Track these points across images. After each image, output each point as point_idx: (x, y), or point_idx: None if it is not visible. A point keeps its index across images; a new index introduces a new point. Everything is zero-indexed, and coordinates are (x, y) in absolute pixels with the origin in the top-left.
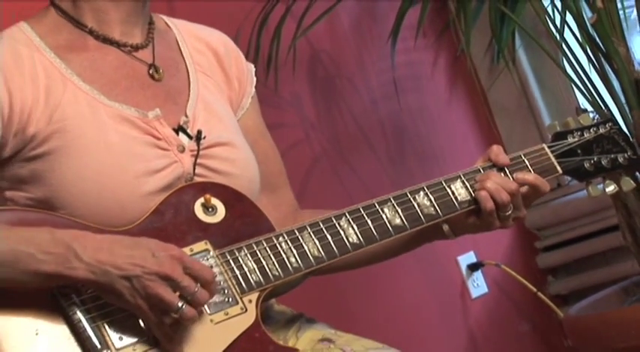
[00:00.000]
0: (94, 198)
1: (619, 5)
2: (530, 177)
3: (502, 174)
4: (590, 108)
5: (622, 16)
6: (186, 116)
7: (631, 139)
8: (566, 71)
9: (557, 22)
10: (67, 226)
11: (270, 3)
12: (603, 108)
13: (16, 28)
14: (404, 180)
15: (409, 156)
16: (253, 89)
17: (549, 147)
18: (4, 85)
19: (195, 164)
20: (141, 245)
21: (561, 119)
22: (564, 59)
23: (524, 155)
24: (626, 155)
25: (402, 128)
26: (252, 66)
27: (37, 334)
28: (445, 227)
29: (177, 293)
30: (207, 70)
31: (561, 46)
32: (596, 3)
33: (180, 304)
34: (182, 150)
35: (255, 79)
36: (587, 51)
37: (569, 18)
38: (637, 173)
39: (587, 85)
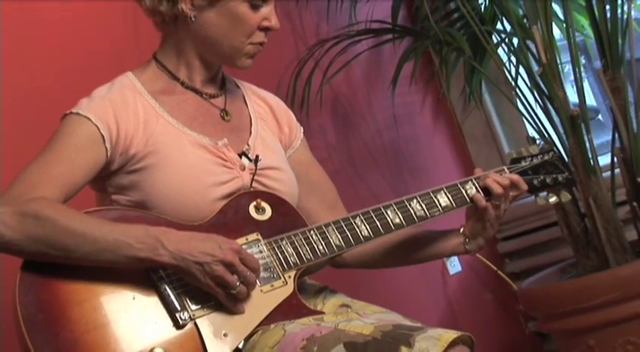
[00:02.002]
0: (177, 202)
1: (558, 61)
2: (515, 176)
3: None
4: (537, 136)
5: (560, 69)
6: (248, 145)
7: (568, 164)
8: (519, 109)
9: (513, 73)
10: (156, 221)
11: (302, 59)
12: (547, 136)
13: (124, 77)
14: (401, 189)
15: (405, 172)
16: (302, 135)
17: (508, 168)
18: (113, 118)
19: (252, 180)
20: (211, 239)
21: (515, 145)
22: (518, 100)
23: None
24: (564, 175)
25: (399, 151)
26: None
27: (134, 299)
28: (467, 246)
29: (235, 276)
30: (264, 117)
31: (516, 90)
32: (542, 59)
33: (238, 283)
34: (243, 169)
35: (302, 128)
36: (534, 94)
37: (521, 70)
38: (572, 188)
39: (534, 120)
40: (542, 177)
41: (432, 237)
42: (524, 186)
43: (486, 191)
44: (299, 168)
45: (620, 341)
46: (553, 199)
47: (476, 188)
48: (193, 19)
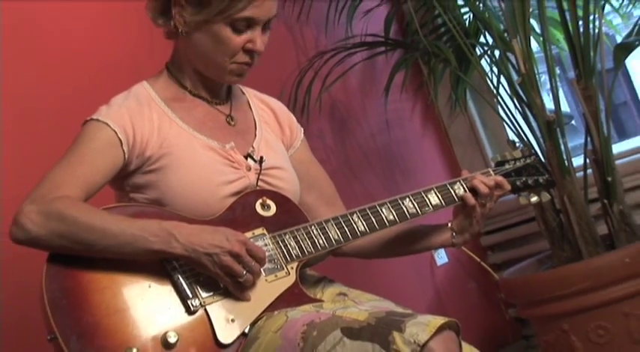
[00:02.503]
0: (189, 199)
1: (536, 71)
2: (499, 178)
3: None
4: (517, 140)
5: (538, 78)
6: (253, 147)
7: (548, 167)
8: (500, 115)
9: (495, 82)
10: (170, 217)
11: (303, 69)
12: (526, 140)
13: (140, 85)
14: (392, 188)
15: (396, 172)
16: (302, 135)
17: (493, 170)
18: (130, 123)
19: (258, 179)
20: (219, 232)
21: (497, 148)
22: (499, 107)
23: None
24: (544, 177)
25: (391, 153)
26: (301, 127)
27: (150, 287)
28: (454, 240)
29: (242, 266)
30: (267, 120)
31: (497, 98)
32: (521, 69)
33: (244, 272)
34: (249, 169)
35: (302, 129)
36: (514, 101)
37: (502, 79)
38: (551, 189)
39: (514, 124)
40: (524, 179)
41: (422, 232)
42: (508, 187)
43: (473, 191)
44: (300, 166)
45: (591, 325)
46: (534, 199)
47: (464, 188)
48: (184, 34)
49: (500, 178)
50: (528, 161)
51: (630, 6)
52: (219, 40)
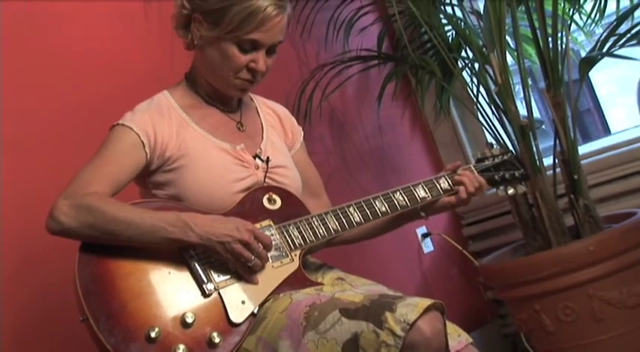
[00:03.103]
0: (204, 195)
1: (511, 81)
2: (481, 179)
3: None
4: (494, 142)
5: (512, 88)
6: (260, 149)
7: (521, 162)
8: (480, 120)
9: (475, 91)
10: (188, 211)
11: (305, 80)
12: (502, 142)
13: (161, 94)
14: (385, 185)
15: (388, 171)
16: (302, 138)
17: (474, 166)
18: (152, 128)
19: (265, 177)
20: (230, 222)
21: (477, 149)
22: (479, 113)
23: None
24: (519, 171)
25: (384, 154)
26: (301, 128)
27: (169, 273)
28: (422, 214)
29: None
30: (273, 124)
31: (477, 105)
32: (497, 80)
33: (253, 258)
34: (257, 168)
35: (302, 133)
36: (492, 108)
37: (481, 89)
38: (525, 182)
39: (492, 129)
40: (502, 173)
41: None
42: (486, 187)
43: (459, 184)
44: (297, 166)
45: (560, 306)
46: (511, 191)
47: (448, 182)
48: (199, 47)
49: (482, 179)
50: (505, 158)
51: (593, 25)
52: (225, 56)
